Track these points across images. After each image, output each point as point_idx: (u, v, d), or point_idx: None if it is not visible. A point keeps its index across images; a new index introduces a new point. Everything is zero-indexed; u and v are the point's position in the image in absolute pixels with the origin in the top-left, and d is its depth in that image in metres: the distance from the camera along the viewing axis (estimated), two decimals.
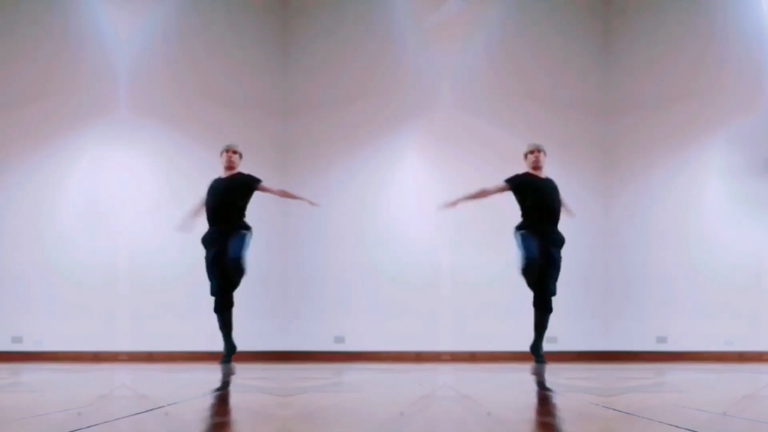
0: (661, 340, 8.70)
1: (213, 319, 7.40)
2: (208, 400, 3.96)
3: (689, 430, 2.55)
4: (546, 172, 7.50)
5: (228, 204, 7.33)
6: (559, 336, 7.78)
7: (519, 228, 7.36)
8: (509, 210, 7.48)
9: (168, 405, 3.62)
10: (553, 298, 7.46)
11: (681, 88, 8.85)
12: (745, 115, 8.78)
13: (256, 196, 7.31)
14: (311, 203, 7.42)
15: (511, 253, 7.22)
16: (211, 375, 6.04)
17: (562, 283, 7.64)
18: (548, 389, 4.69)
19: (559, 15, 8.92)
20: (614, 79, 8.86)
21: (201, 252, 7.49)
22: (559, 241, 7.42)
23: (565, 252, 7.73)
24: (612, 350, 8.52)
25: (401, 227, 8.80)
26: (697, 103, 8.83)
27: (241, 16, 8.90)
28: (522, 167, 7.37)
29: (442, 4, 8.93)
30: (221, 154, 7.44)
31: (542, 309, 7.43)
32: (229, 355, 7.38)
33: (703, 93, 8.83)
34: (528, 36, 8.96)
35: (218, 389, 4.68)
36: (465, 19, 8.93)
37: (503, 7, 8.94)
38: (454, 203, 7.43)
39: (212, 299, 7.34)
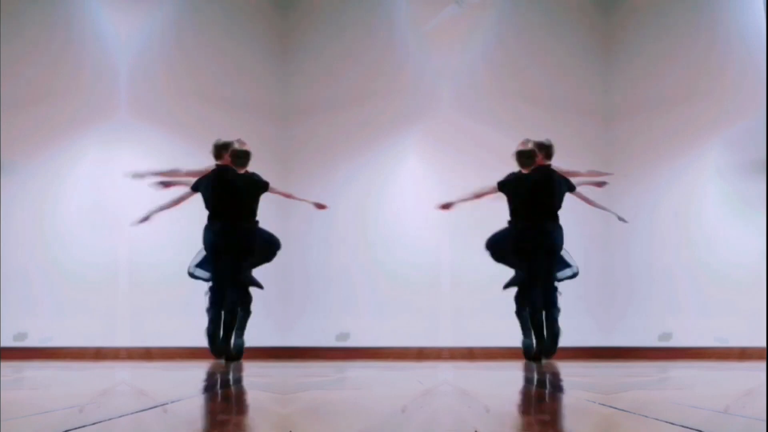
0: (664, 337, 8.70)
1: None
2: (209, 397, 3.96)
3: (690, 427, 2.56)
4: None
5: (246, 202, 7.46)
6: (562, 333, 7.76)
7: (501, 230, 7.41)
8: (507, 210, 7.49)
9: (170, 402, 3.63)
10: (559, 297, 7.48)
11: (682, 90, 8.83)
12: (747, 116, 8.77)
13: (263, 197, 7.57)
14: (318, 206, 7.69)
15: None
16: (211, 372, 6.05)
17: (565, 281, 7.63)
18: (548, 386, 4.70)
19: (558, 18, 8.92)
20: (614, 82, 8.84)
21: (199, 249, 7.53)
22: (550, 243, 7.34)
23: (569, 251, 7.71)
24: (614, 346, 8.52)
25: (402, 227, 8.81)
26: (698, 106, 8.81)
27: (242, 21, 8.92)
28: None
29: (441, 8, 8.92)
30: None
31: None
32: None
33: (704, 95, 8.81)
34: (527, 39, 8.95)
35: (219, 386, 4.69)
36: (465, 22, 8.92)
37: (502, 10, 8.93)
38: (449, 205, 7.60)
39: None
